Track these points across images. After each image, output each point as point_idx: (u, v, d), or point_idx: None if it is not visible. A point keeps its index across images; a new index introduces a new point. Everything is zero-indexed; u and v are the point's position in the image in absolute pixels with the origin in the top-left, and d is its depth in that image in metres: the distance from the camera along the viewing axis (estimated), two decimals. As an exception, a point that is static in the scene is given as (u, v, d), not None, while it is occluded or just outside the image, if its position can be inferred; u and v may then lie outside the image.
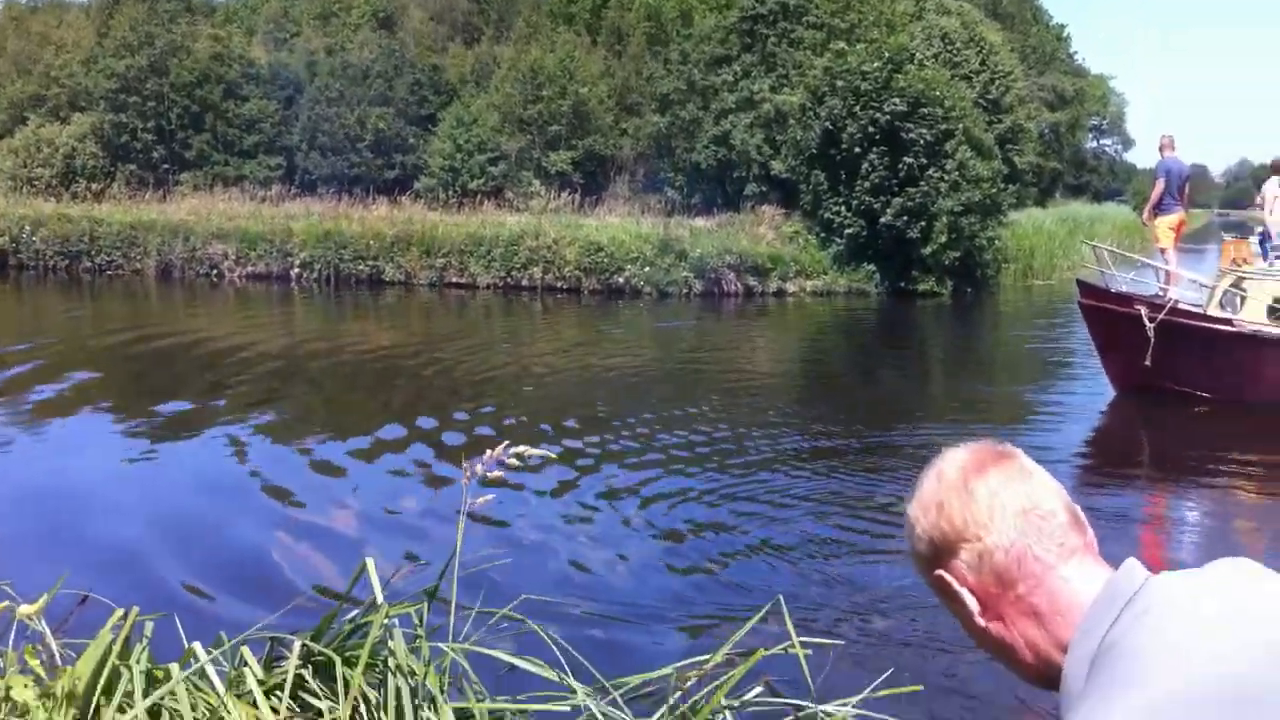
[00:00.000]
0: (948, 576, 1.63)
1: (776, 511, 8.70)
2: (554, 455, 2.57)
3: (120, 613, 2.61)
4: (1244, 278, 13.81)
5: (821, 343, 21.37)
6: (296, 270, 27.36)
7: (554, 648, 2.74)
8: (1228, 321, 13.29)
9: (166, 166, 35.47)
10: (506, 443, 2.60)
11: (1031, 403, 14.64)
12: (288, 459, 10.28)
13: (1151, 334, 12.83)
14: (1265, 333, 12.96)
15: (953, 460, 1.64)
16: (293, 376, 15.06)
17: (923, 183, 26.77)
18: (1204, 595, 1.47)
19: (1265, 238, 15.12)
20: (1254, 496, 9.82)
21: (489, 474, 2.58)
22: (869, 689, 2.84)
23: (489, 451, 2.57)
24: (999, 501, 1.58)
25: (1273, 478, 10.30)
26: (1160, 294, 13.81)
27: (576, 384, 14.81)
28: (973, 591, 1.61)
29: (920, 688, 3.25)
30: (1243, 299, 13.44)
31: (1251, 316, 13.17)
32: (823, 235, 28.19)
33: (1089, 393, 14.61)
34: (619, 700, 2.74)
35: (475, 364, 15.94)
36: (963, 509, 1.60)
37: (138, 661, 2.47)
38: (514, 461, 2.54)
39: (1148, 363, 12.85)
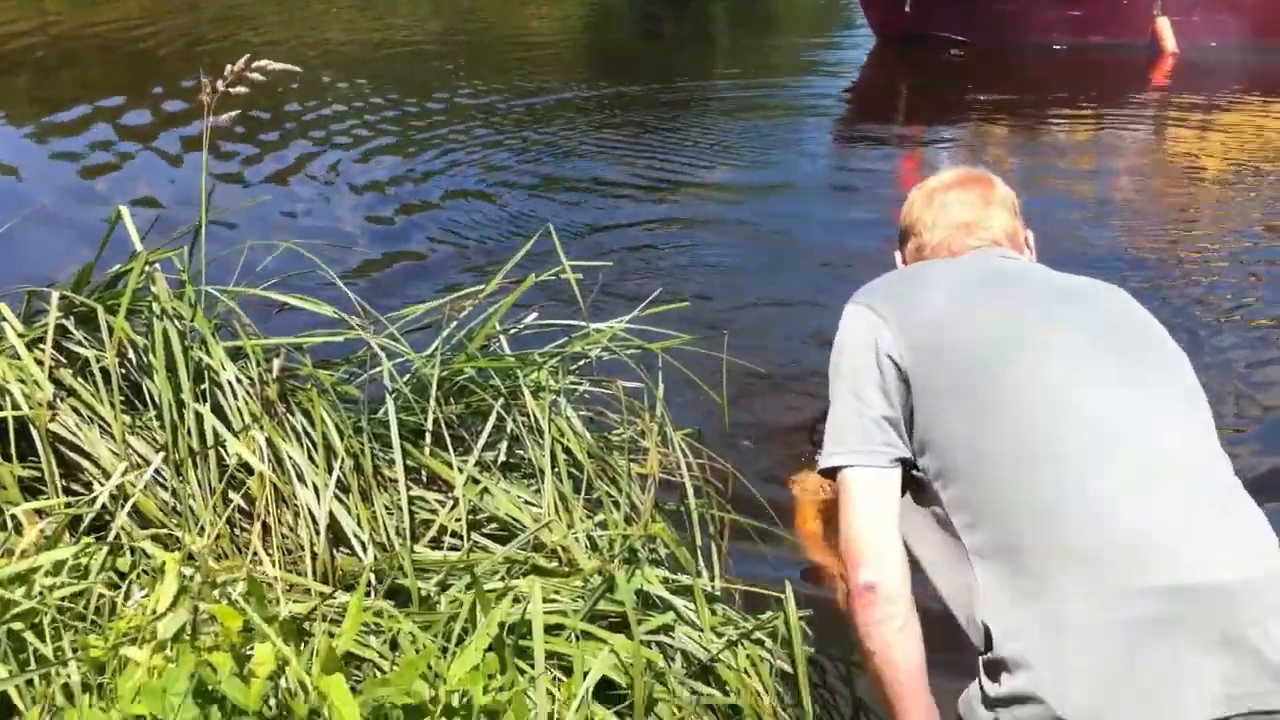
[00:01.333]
0: (898, 258, 2.15)
1: (550, 160, 8.74)
2: (298, 70, 2.46)
3: None
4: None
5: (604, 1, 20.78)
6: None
7: (330, 278, 2.76)
8: (984, -35, 13.43)
9: None
10: (248, 55, 2.47)
11: (801, 54, 14.78)
12: (36, 137, 9.58)
13: None
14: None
15: (939, 175, 2.12)
16: (43, 57, 13.79)
17: None
18: (1003, 267, 1.92)
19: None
20: (1003, 130, 10.34)
21: (230, 91, 2.46)
22: (638, 308, 2.98)
23: (229, 67, 2.45)
24: (946, 214, 2.02)
25: (1020, 114, 10.79)
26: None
27: (344, 50, 14.09)
28: None
29: (685, 303, 3.43)
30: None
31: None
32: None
33: (855, 43, 14.81)
34: (396, 333, 2.79)
35: (226, 34, 14.88)
36: (921, 211, 2.07)
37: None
38: (257, 76, 2.44)
39: (908, 9, 12.99)
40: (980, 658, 1.57)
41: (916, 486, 1.78)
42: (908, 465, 1.76)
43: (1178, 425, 1.66)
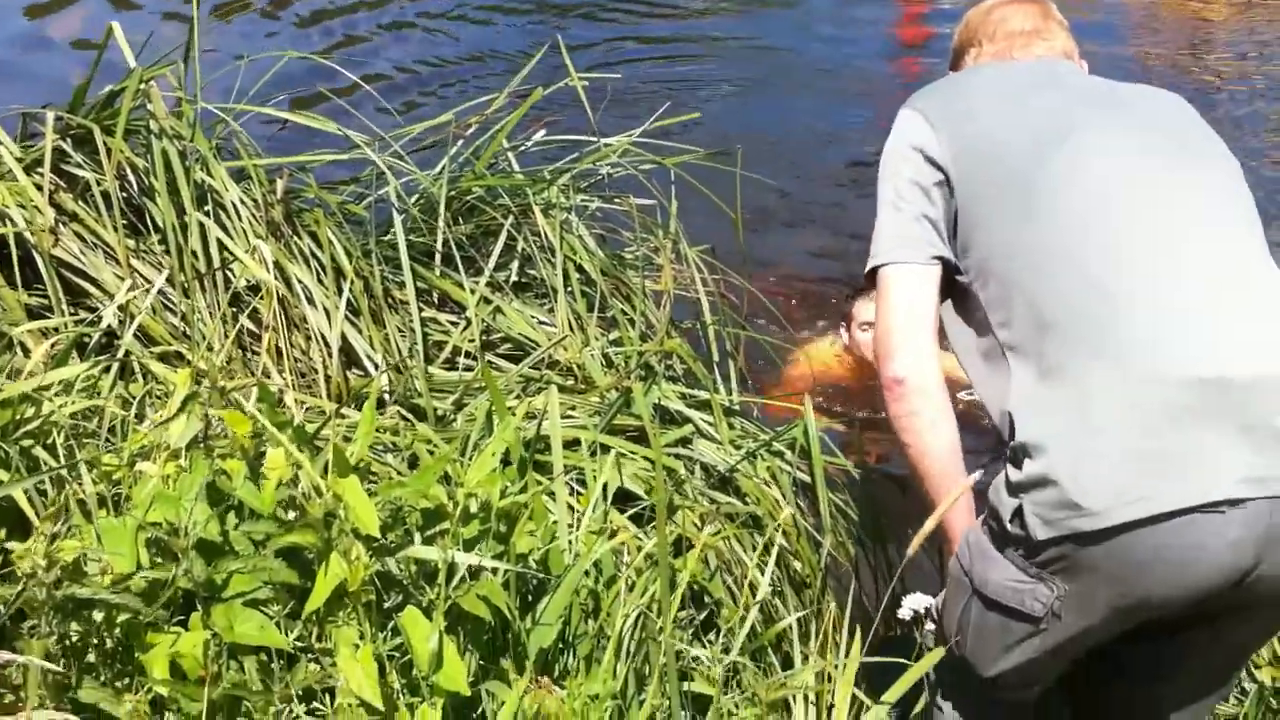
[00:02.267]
0: (952, 76, 2.06)
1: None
2: None
3: None
4: None
5: None
6: None
7: (329, 96, 2.67)
8: None
9: None
10: None
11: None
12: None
13: None
14: None
15: None
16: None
17: None
18: (1056, 70, 1.88)
19: None
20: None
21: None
22: (649, 121, 2.89)
23: None
24: (1004, 27, 2.00)
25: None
26: None
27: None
28: None
29: (697, 114, 3.32)
30: None
31: None
32: None
33: None
34: (401, 151, 2.72)
35: None
36: (978, 25, 2.04)
37: None
38: None
39: None
40: (1007, 447, 1.56)
41: (959, 289, 1.75)
42: (950, 268, 1.74)
43: (1221, 226, 1.63)
